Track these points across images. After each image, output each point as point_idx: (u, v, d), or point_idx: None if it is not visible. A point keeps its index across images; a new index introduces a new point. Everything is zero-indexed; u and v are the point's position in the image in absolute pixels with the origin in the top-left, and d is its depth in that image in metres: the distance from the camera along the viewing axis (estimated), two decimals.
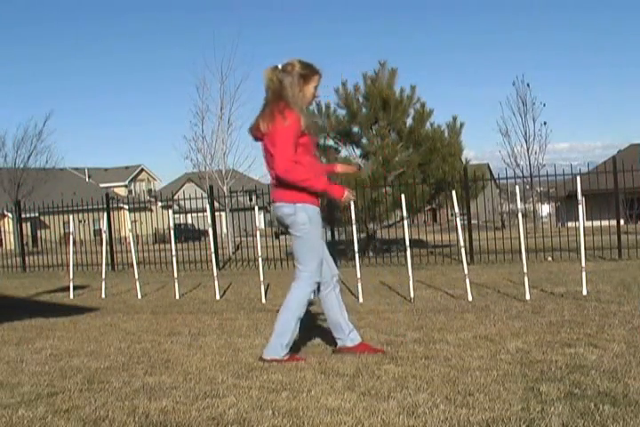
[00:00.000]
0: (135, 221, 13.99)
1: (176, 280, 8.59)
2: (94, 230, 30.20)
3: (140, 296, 8.64)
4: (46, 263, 16.05)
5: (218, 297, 8.12)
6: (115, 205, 17.96)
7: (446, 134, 15.41)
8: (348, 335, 4.27)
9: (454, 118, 15.63)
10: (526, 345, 4.35)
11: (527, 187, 36.00)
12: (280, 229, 4.17)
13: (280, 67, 4.06)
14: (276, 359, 4.09)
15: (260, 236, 8.62)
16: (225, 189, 19.60)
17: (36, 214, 20.09)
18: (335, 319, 4.29)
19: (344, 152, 16.10)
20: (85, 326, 6.17)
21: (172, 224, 9.14)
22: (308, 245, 4.07)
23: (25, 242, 17.90)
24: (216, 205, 14.34)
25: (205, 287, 9.54)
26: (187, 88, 52.47)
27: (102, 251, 9.76)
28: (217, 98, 20.28)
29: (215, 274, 8.63)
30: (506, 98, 39.00)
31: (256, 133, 4.09)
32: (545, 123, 35.48)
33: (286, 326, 4.09)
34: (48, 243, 20.34)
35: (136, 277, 8.94)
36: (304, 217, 4.01)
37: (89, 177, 61.32)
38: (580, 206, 7.23)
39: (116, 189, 57.23)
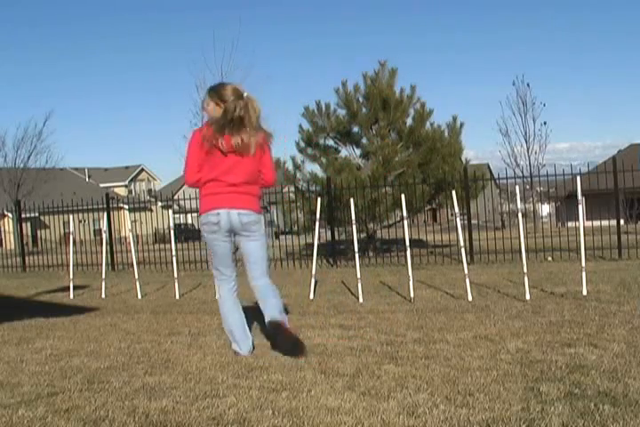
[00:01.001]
0: (135, 221, 13.99)
1: (176, 280, 8.59)
2: (94, 230, 30.19)
3: (140, 296, 8.63)
4: (46, 263, 16.05)
5: (218, 297, 8.11)
6: (115, 205, 17.96)
7: (446, 134, 15.40)
8: None
9: (454, 118, 15.63)
10: (526, 345, 4.35)
11: (527, 187, 36.00)
12: (224, 230, 4.51)
13: (246, 94, 4.35)
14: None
15: None
16: None
17: (36, 214, 20.08)
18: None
19: (344, 152, 16.11)
20: (85, 326, 6.18)
21: (172, 224, 9.14)
22: (266, 246, 4.66)
23: (25, 242, 17.89)
24: None
25: (205, 287, 9.53)
26: (187, 88, 52.39)
27: (102, 251, 9.76)
28: None
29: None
30: (506, 98, 39.06)
31: (245, 148, 4.30)
32: (545, 123, 35.47)
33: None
34: (48, 243, 20.32)
35: (136, 277, 8.94)
36: (263, 223, 4.57)
37: (89, 177, 61.34)
38: (580, 206, 7.23)
39: (116, 189, 57.22)
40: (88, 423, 3.04)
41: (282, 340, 4.34)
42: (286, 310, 4.91)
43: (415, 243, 13.45)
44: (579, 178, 7.33)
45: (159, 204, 23.21)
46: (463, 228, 9.14)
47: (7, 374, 4.16)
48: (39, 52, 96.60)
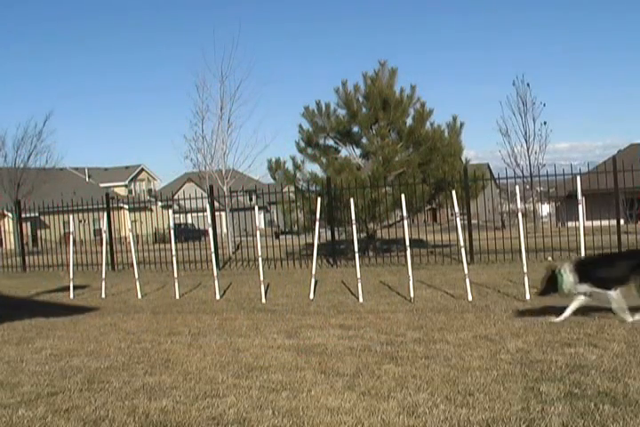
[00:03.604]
0: (135, 221, 13.98)
1: (176, 280, 8.58)
2: (94, 230, 30.15)
3: (140, 296, 8.64)
4: (46, 263, 16.04)
5: (218, 297, 8.12)
6: (115, 205, 17.96)
7: (446, 134, 15.38)
8: None
9: (454, 118, 15.61)
10: (526, 345, 4.35)
11: (527, 187, 35.99)
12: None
13: None
14: None
15: (260, 236, 8.62)
16: (225, 188, 19.58)
17: (36, 214, 20.09)
18: None
19: (344, 152, 16.10)
20: (85, 326, 6.18)
21: (172, 224, 9.14)
22: None
23: (25, 242, 17.88)
24: (216, 204, 14.33)
25: (205, 287, 9.53)
26: (187, 88, 52.26)
27: (102, 251, 9.76)
28: (217, 98, 20.19)
29: (215, 274, 8.62)
30: (506, 97, 38.98)
31: None
32: (545, 123, 35.39)
33: None
34: (48, 243, 20.31)
35: (136, 277, 8.93)
36: None
37: (89, 177, 61.29)
38: (579, 206, 7.23)
39: (116, 189, 57.13)
40: (88, 423, 3.04)
41: None
42: None
43: (415, 243, 13.44)
44: (579, 178, 7.34)
45: (159, 204, 23.21)
46: (463, 228, 9.14)
47: (7, 373, 4.16)
48: (39, 52, 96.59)
